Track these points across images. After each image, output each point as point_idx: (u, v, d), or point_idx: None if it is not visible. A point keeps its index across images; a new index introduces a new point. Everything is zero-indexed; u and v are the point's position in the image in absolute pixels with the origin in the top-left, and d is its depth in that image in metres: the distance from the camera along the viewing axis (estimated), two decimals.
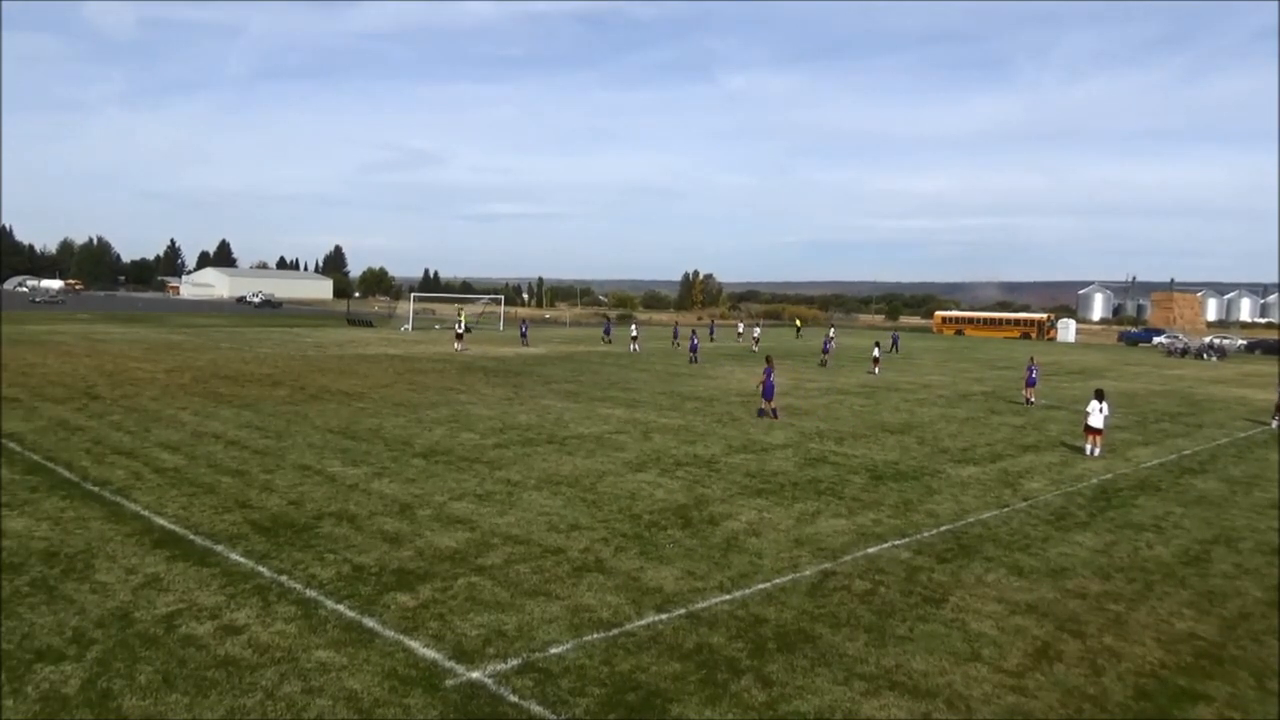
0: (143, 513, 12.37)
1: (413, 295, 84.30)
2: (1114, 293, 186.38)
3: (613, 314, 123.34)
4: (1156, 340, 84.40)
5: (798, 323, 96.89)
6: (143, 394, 24.32)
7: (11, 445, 16.62)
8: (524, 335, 54.08)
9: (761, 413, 24.02)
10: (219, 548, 10.92)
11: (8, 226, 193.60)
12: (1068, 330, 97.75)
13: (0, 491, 13.17)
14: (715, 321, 78.72)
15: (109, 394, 24.11)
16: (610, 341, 56.36)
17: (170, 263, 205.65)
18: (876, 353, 41.64)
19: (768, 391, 24.16)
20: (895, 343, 59.32)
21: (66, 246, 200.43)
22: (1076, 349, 77.50)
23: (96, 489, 13.60)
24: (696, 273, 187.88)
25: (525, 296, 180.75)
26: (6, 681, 7.23)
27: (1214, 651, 8.93)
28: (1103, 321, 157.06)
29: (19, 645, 7.92)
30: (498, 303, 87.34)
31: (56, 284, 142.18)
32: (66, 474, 14.54)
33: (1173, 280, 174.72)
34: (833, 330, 62.60)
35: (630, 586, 10.07)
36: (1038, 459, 19.51)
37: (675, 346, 53.61)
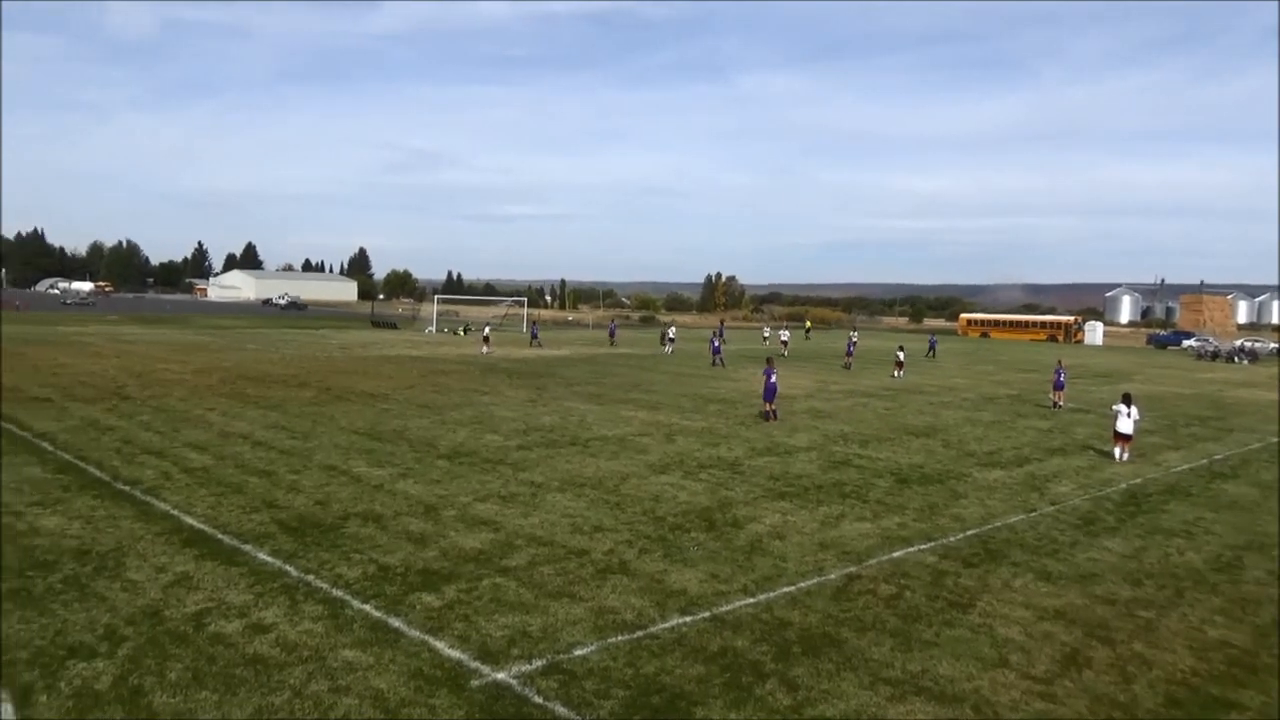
0: (172, 512, 12.51)
1: (436, 297, 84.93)
2: (1142, 295, 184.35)
3: (634, 315, 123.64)
4: (1186, 343, 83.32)
5: (807, 324, 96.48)
6: (171, 394, 24.60)
7: (44, 445, 16.88)
8: (535, 337, 55.92)
9: (765, 415, 23.82)
10: (247, 547, 11.02)
11: (39, 229, 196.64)
12: (1095, 333, 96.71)
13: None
14: (724, 324, 78.40)
15: (138, 394, 24.41)
16: (615, 344, 56.71)
17: (198, 265, 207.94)
18: (901, 356, 41.27)
19: (768, 393, 23.99)
20: (932, 347, 57.58)
21: (96, 249, 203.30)
22: (1104, 352, 76.70)
23: (127, 488, 13.78)
24: (719, 274, 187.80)
25: (548, 299, 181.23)
26: (40, 677, 7.33)
27: (1246, 659, 8.79)
28: (1131, 324, 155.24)
29: (52, 641, 8.03)
30: (520, 305, 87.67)
31: (87, 286, 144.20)
32: (97, 473, 14.74)
33: (1202, 282, 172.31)
34: (855, 333, 62.17)
35: (654, 589, 10.07)
36: (1065, 463, 19.31)
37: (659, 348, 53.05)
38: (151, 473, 14.90)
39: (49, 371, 29.26)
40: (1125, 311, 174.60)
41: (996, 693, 7.80)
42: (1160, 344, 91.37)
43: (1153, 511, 15.04)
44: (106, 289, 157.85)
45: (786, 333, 63.08)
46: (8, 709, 6.81)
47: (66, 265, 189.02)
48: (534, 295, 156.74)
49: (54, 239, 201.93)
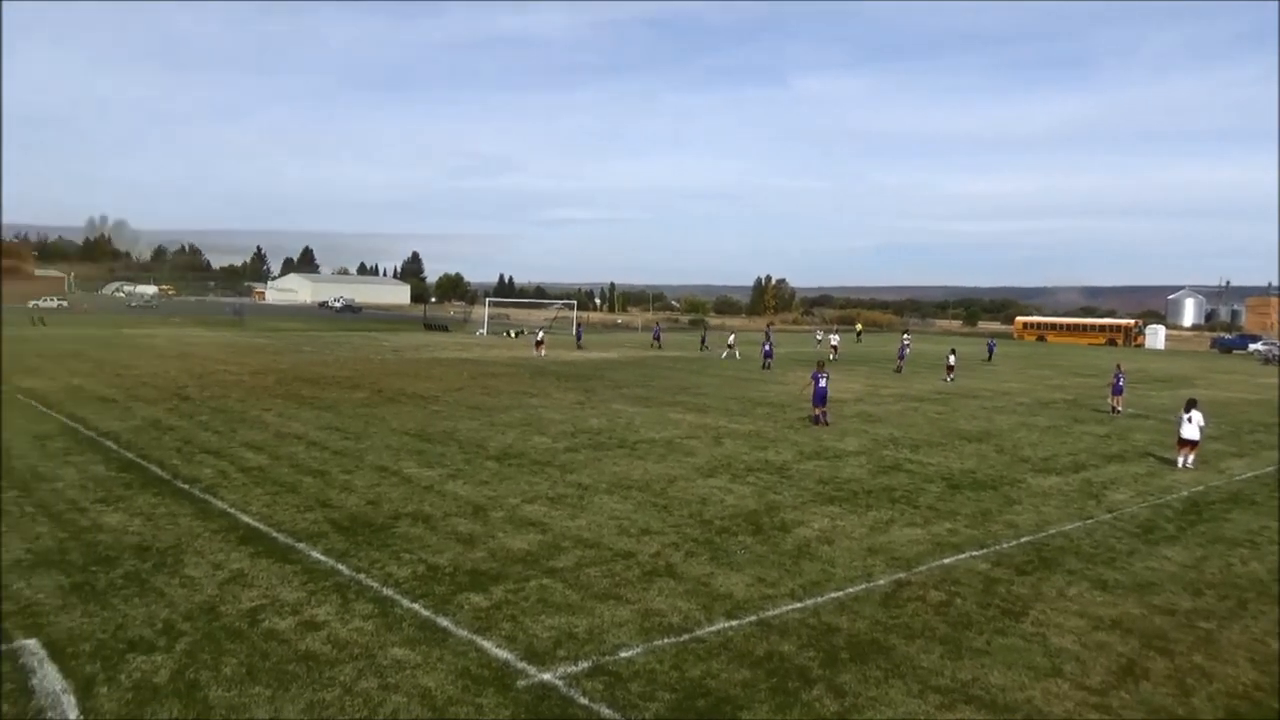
0: (229, 510, 12.81)
1: (487, 300, 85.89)
2: (1206, 298, 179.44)
3: (683, 318, 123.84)
4: (1252, 347, 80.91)
5: (858, 327, 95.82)
6: (229, 395, 25.19)
7: (108, 443, 17.41)
8: (579, 339, 57.99)
9: (815, 419, 23.57)
10: (300, 545, 11.24)
11: (106, 235, 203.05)
12: (1156, 337, 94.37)
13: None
14: (771, 326, 78.26)
15: (198, 395, 25.04)
16: (660, 347, 57.52)
17: (256, 268, 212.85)
18: (952, 360, 40.65)
19: (817, 397, 23.71)
20: (991, 350, 57.37)
21: (160, 253, 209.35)
22: (1165, 356, 74.74)
23: (186, 486, 14.14)
24: (769, 277, 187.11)
25: (598, 302, 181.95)
26: (101, 670, 7.56)
27: None
28: (1194, 328, 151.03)
29: (113, 635, 8.27)
30: (570, 308, 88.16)
31: (151, 289, 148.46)
32: (158, 471, 15.15)
33: (1270, 284, 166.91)
34: (907, 336, 61.36)
35: (700, 592, 10.05)
36: (1123, 469, 18.86)
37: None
38: (210, 471, 15.28)
39: (114, 373, 30.17)
40: (1189, 314, 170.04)
41: (1049, 703, 7.64)
42: (1225, 348, 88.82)
43: (1215, 520, 14.61)
44: (169, 292, 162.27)
45: (837, 337, 62.41)
46: (70, 700, 7.03)
47: (132, 269, 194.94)
48: (583, 298, 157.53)
49: (120, 243, 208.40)
